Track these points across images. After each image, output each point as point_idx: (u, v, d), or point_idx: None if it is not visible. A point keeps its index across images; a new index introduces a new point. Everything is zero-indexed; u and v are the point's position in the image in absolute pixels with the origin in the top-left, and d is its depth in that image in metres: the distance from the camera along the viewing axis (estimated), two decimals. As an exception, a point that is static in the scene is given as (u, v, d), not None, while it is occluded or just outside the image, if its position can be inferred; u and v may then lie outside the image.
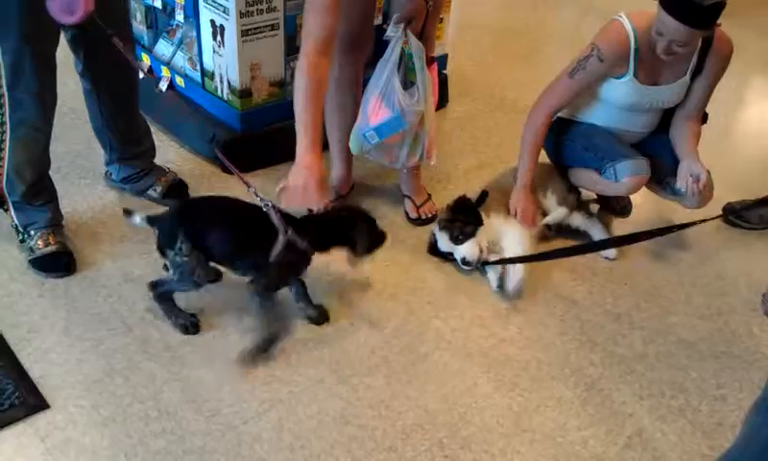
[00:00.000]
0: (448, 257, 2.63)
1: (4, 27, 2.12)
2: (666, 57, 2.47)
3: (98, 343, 2.18)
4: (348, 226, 2.25)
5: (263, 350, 2.17)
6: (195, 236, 2.12)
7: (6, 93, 2.22)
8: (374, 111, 2.53)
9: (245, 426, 1.97)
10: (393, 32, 2.49)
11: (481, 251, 2.57)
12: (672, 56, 2.46)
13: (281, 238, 2.10)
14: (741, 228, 3.01)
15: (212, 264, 2.24)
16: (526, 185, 2.70)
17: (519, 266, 2.51)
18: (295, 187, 2.17)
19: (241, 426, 1.97)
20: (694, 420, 2.13)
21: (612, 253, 2.76)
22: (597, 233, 2.80)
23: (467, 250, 2.56)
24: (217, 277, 2.38)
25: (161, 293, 2.23)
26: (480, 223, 2.60)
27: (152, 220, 2.20)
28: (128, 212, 2.25)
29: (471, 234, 2.58)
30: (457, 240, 2.58)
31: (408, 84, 2.53)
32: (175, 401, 2.02)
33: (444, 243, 2.62)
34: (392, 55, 2.50)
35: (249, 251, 2.18)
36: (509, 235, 2.61)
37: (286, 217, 2.15)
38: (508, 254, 2.56)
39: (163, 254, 2.18)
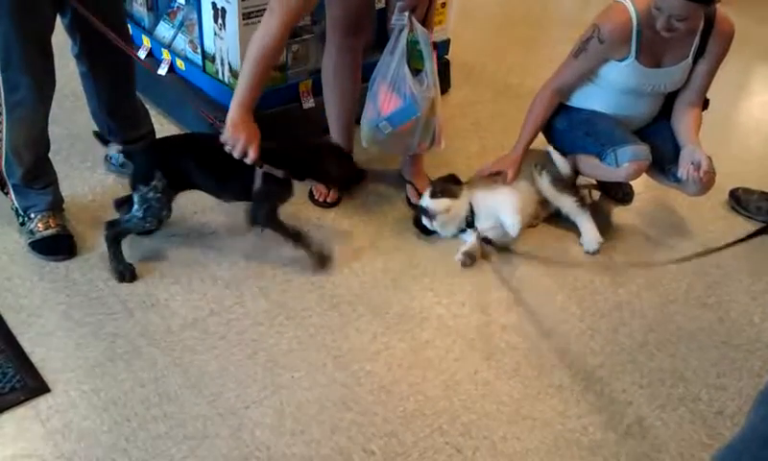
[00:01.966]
0: (425, 219, 2.64)
1: None
2: (667, 33, 2.46)
3: (99, 327, 2.18)
4: (318, 158, 2.42)
5: (302, 244, 2.43)
6: (175, 172, 2.28)
7: (1, 76, 2.20)
8: (386, 101, 2.52)
9: (246, 411, 1.97)
10: (398, 19, 2.48)
11: (448, 210, 2.60)
12: (672, 32, 2.45)
13: (258, 171, 2.28)
14: (739, 214, 3.01)
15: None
16: (516, 153, 2.75)
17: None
18: (234, 139, 2.25)
19: (242, 411, 1.97)
20: (694, 408, 2.14)
21: (593, 246, 2.70)
22: (584, 223, 2.74)
23: (435, 203, 2.61)
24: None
25: (117, 233, 2.33)
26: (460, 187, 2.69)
27: (128, 155, 2.35)
28: (104, 141, 2.33)
29: (450, 196, 2.63)
30: (434, 195, 2.63)
31: (414, 71, 2.53)
32: (176, 386, 2.02)
33: (425, 199, 2.66)
34: (398, 43, 2.49)
35: (231, 180, 2.34)
36: (495, 199, 2.65)
37: (263, 150, 2.28)
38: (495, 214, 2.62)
39: (135, 189, 2.28)
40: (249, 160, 2.25)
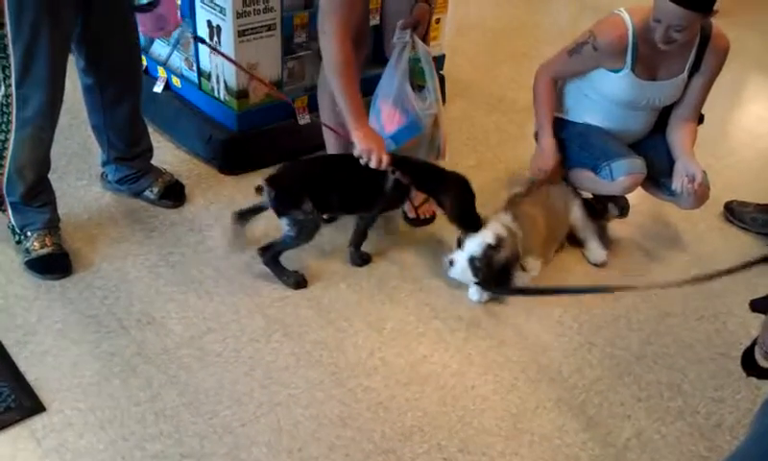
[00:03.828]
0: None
1: (19, 17, 2.09)
2: (665, 45, 2.47)
3: (95, 345, 2.17)
4: (442, 187, 2.48)
5: (356, 246, 2.58)
6: (318, 196, 2.37)
7: (14, 92, 2.20)
8: (389, 119, 2.55)
9: (243, 429, 1.97)
10: (400, 38, 2.50)
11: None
12: (671, 44, 2.46)
13: (391, 178, 2.40)
14: (734, 225, 3.02)
15: None
16: (547, 142, 2.70)
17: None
18: (368, 150, 2.36)
19: (239, 429, 1.96)
20: (692, 421, 2.13)
21: (600, 258, 2.72)
22: (591, 242, 2.75)
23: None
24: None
25: (273, 255, 2.42)
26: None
27: (271, 184, 2.37)
28: (259, 189, 2.41)
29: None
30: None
31: (416, 88, 2.55)
32: (172, 404, 2.01)
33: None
34: (401, 61, 2.51)
35: (366, 198, 2.47)
36: None
37: (394, 159, 2.41)
38: None
39: (284, 214, 2.38)
40: (383, 166, 2.36)
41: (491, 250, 2.40)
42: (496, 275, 2.41)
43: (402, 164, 2.42)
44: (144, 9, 2.19)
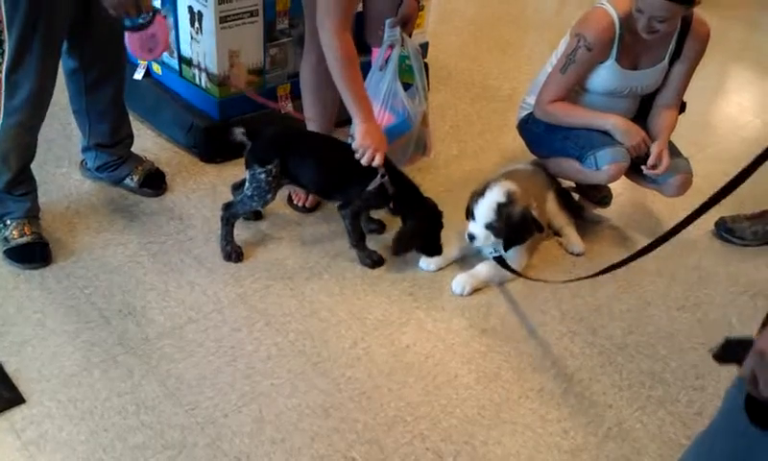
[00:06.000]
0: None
1: (15, 4, 2.06)
2: (647, 35, 2.48)
3: (75, 336, 2.15)
4: (416, 209, 2.48)
5: (358, 247, 2.53)
6: (290, 168, 2.40)
7: (4, 80, 2.16)
8: (378, 118, 2.53)
9: (225, 420, 1.96)
10: (390, 35, 2.49)
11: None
12: (653, 34, 2.47)
13: (378, 179, 2.39)
14: (734, 244, 2.90)
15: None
16: (610, 117, 2.64)
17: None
18: (365, 147, 2.35)
19: (221, 420, 1.95)
20: (673, 410, 2.15)
21: (578, 248, 2.74)
22: (569, 232, 2.77)
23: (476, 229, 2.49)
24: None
25: (230, 215, 2.45)
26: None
27: (252, 135, 2.42)
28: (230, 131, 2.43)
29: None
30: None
31: (403, 85, 2.54)
32: (153, 395, 2.00)
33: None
34: (391, 59, 2.50)
35: (343, 187, 2.47)
36: None
37: (387, 165, 2.41)
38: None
39: (249, 167, 2.39)
40: (375, 164, 2.36)
41: (504, 207, 2.43)
42: (516, 228, 2.44)
43: (393, 173, 2.43)
44: (136, 28, 2.15)
